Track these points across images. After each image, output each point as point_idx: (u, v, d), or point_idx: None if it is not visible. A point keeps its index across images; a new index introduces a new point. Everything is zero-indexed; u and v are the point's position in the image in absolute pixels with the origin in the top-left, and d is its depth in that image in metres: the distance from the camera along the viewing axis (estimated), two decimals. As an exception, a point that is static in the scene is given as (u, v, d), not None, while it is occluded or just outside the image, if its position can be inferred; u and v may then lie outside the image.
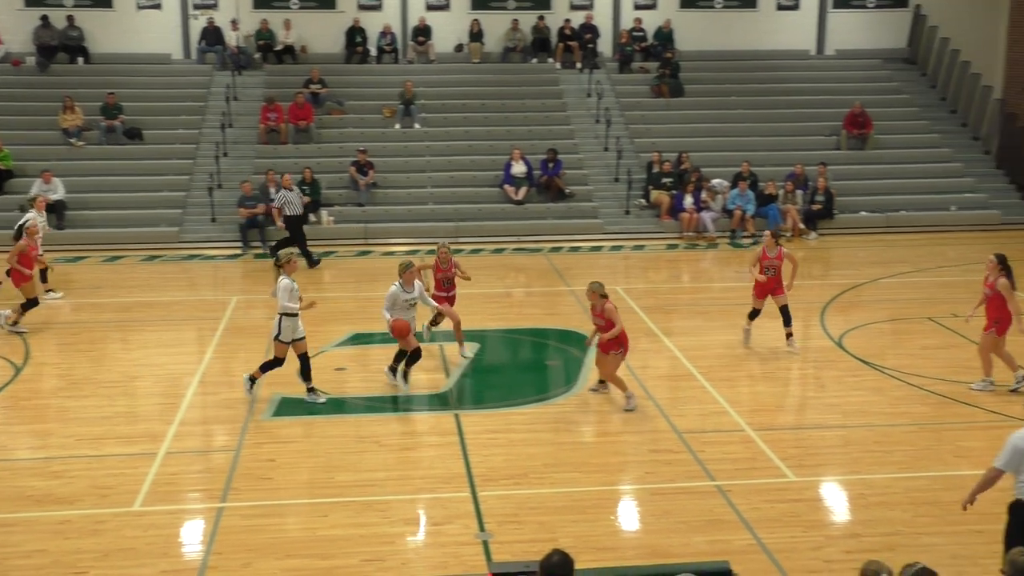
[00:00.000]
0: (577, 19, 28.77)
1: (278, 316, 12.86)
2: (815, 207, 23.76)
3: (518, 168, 24.28)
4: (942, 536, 9.72)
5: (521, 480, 11.00)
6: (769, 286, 15.12)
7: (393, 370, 13.66)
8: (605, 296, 12.79)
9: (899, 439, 12.02)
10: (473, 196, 24.41)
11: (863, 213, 24.38)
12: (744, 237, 23.27)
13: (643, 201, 24.35)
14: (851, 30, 29.71)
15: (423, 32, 28.32)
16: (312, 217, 22.54)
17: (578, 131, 26.51)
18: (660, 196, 24.02)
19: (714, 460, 11.47)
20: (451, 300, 15.08)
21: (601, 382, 13.34)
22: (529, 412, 12.90)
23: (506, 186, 24.20)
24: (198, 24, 27.82)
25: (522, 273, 20.98)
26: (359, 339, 15.93)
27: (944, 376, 14.07)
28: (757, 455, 11.62)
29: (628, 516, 10.52)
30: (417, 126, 26.03)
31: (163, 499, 10.50)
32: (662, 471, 11.29)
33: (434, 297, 14.48)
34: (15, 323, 16.30)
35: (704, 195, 23.62)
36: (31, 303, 16.50)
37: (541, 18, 28.79)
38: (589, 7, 28.98)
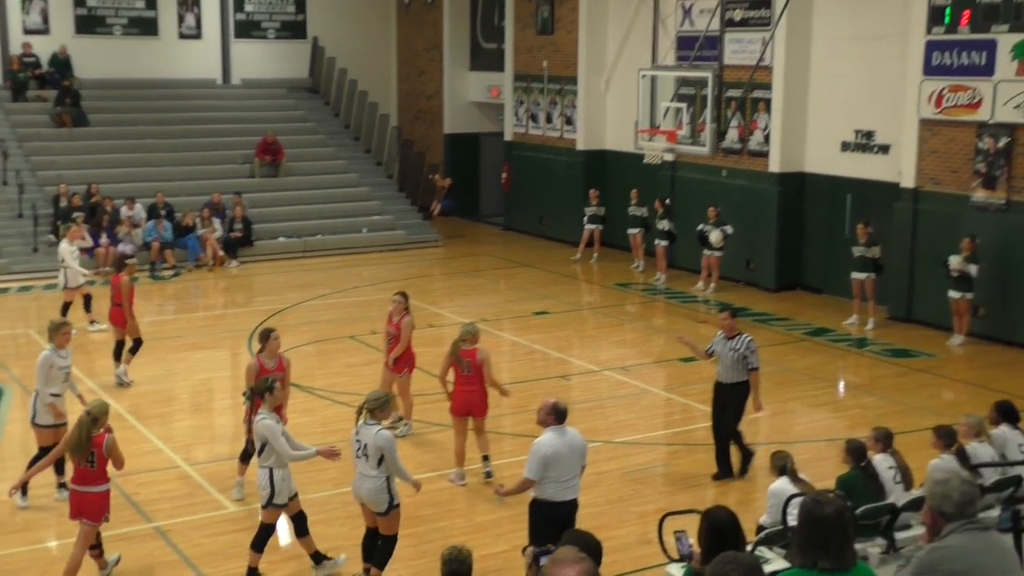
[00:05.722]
0: (-40, 44, 26.55)
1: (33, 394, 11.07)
2: (234, 235, 23.90)
3: (-98, 207, 21.85)
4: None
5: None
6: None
7: None
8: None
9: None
10: None
11: (281, 239, 24.93)
12: (164, 269, 22.81)
13: (52, 237, 22.97)
14: (255, 60, 30.29)
15: None
16: None
17: (-29, 165, 24.43)
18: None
19: (151, 501, 11.14)
20: None
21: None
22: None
23: None
24: None
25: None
26: None
27: (368, 391, 14.76)
28: (195, 490, 11.47)
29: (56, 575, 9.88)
30: None
31: None
32: (96, 520, 10.73)
33: None
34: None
35: (124, 229, 22.84)
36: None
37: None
38: (-28, 31, 26.86)
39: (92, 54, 28.04)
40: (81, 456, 9.06)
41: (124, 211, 23.42)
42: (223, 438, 13.43)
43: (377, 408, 9.17)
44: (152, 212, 23.47)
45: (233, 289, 22.15)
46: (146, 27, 28.86)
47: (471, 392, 11.65)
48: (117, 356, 15.22)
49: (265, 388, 9.58)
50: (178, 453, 12.53)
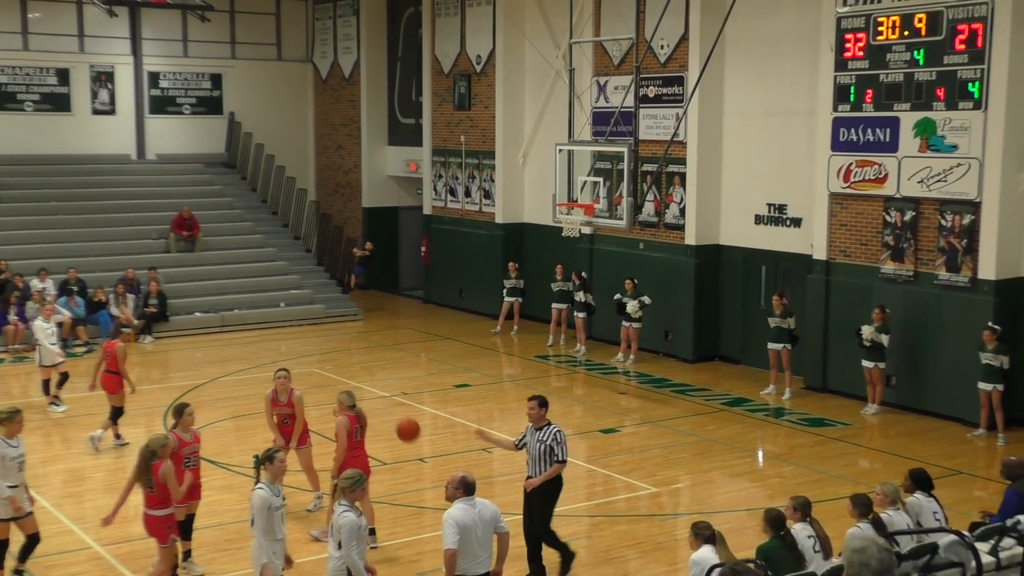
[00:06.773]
0: None
1: None
2: (149, 311, 23.55)
3: None
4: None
5: None
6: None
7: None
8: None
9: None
10: None
11: (197, 314, 24.62)
12: (76, 346, 22.35)
13: (-42, 314, 22.45)
14: (170, 135, 30.09)
15: None
16: None
17: None
18: (-23, 308, 22.34)
19: (62, 585, 10.81)
20: None
21: None
22: None
23: None
24: None
25: None
26: None
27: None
28: (108, 571, 11.17)
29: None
30: None
31: None
32: (3, 607, 10.38)
33: None
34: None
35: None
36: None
37: None
38: None
39: (4, 130, 27.65)
40: (144, 483, 10.22)
41: (36, 283, 22.95)
42: (137, 517, 13.06)
43: (347, 487, 8.84)
44: (64, 288, 23.07)
45: (148, 365, 21.77)
46: (58, 103, 28.56)
47: (359, 457, 11.84)
48: (115, 419, 15.65)
49: (266, 458, 9.55)
50: (89, 534, 12.18)
